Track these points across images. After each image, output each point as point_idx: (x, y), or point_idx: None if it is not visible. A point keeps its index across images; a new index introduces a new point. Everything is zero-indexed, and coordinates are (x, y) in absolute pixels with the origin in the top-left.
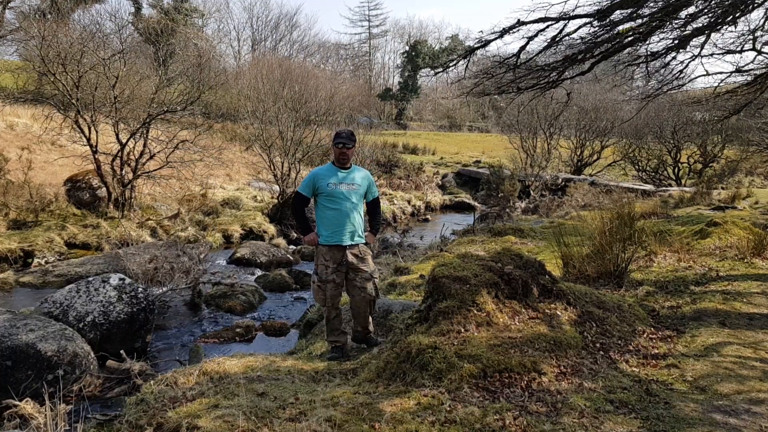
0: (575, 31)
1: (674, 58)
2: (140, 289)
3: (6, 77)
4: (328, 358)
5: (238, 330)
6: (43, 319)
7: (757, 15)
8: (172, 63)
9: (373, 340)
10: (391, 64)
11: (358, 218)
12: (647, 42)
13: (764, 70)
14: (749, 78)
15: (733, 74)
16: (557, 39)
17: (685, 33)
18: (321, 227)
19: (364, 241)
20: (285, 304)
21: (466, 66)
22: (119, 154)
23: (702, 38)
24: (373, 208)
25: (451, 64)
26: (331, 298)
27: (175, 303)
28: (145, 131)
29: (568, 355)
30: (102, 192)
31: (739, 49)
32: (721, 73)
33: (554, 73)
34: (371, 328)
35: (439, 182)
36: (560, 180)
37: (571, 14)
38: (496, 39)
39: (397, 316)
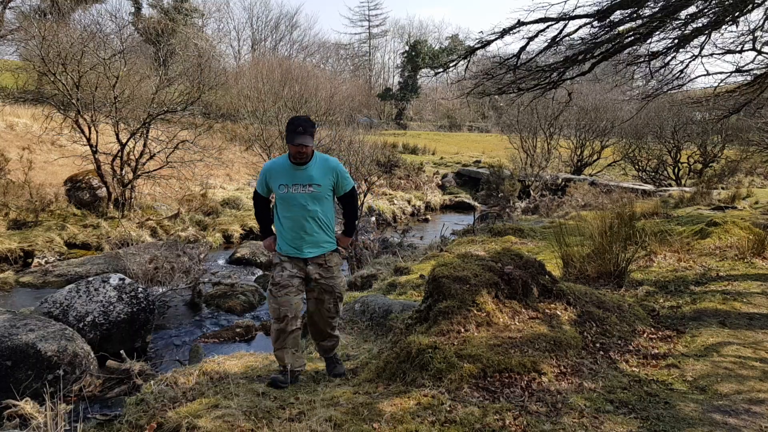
0: (575, 31)
1: (674, 58)
2: (140, 289)
3: (6, 77)
4: (268, 383)
5: (238, 330)
6: (43, 319)
7: (757, 15)
8: (172, 63)
9: (336, 366)
10: (391, 64)
11: (319, 225)
12: (647, 42)
13: (764, 70)
14: (749, 78)
15: (733, 74)
16: (557, 39)
17: (685, 33)
18: (278, 233)
19: (333, 248)
20: None
21: (466, 66)
22: (119, 154)
23: (702, 38)
24: (345, 204)
25: (451, 65)
26: (281, 306)
27: (175, 303)
28: (145, 131)
29: (568, 355)
30: (102, 192)
31: (739, 49)
32: (721, 73)
33: (555, 74)
34: (331, 343)
35: (439, 182)
36: (560, 180)
37: (571, 14)
38: (496, 39)
39: (397, 316)
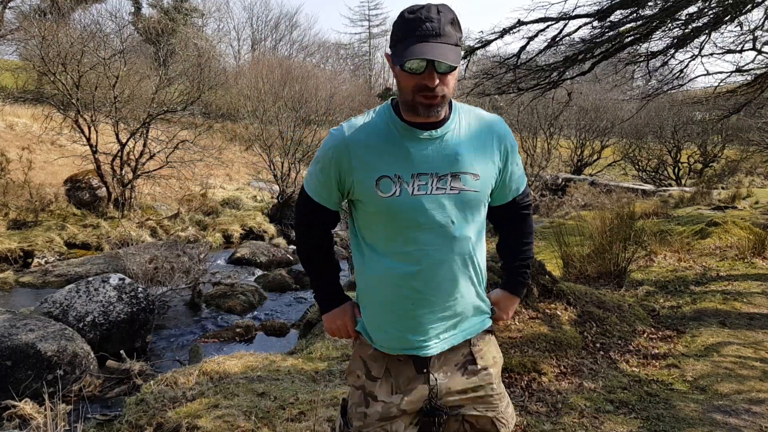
0: (575, 31)
1: (674, 57)
2: (140, 289)
3: (6, 77)
4: None
5: (238, 330)
6: (43, 319)
7: (757, 15)
8: (172, 63)
9: None
10: None
11: (469, 274)
12: (648, 41)
13: (764, 70)
14: (749, 78)
15: (733, 74)
16: (557, 39)
17: (685, 32)
18: (366, 299)
19: (487, 323)
20: (285, 304)
21: (466, 66)
22: (119, 154)
23: (702, 38)
24: (513, 218)
25: None
26: None
27: (175, 303)
28: (145, 131)
29: (568, 355)
30: (102, 192)
31: (739, 48)
32: (721, 72)
33: (555, 73)
34: None
35: None
36: (560, 180)
37: (571, 14)
38: (496, 39)
39: None
